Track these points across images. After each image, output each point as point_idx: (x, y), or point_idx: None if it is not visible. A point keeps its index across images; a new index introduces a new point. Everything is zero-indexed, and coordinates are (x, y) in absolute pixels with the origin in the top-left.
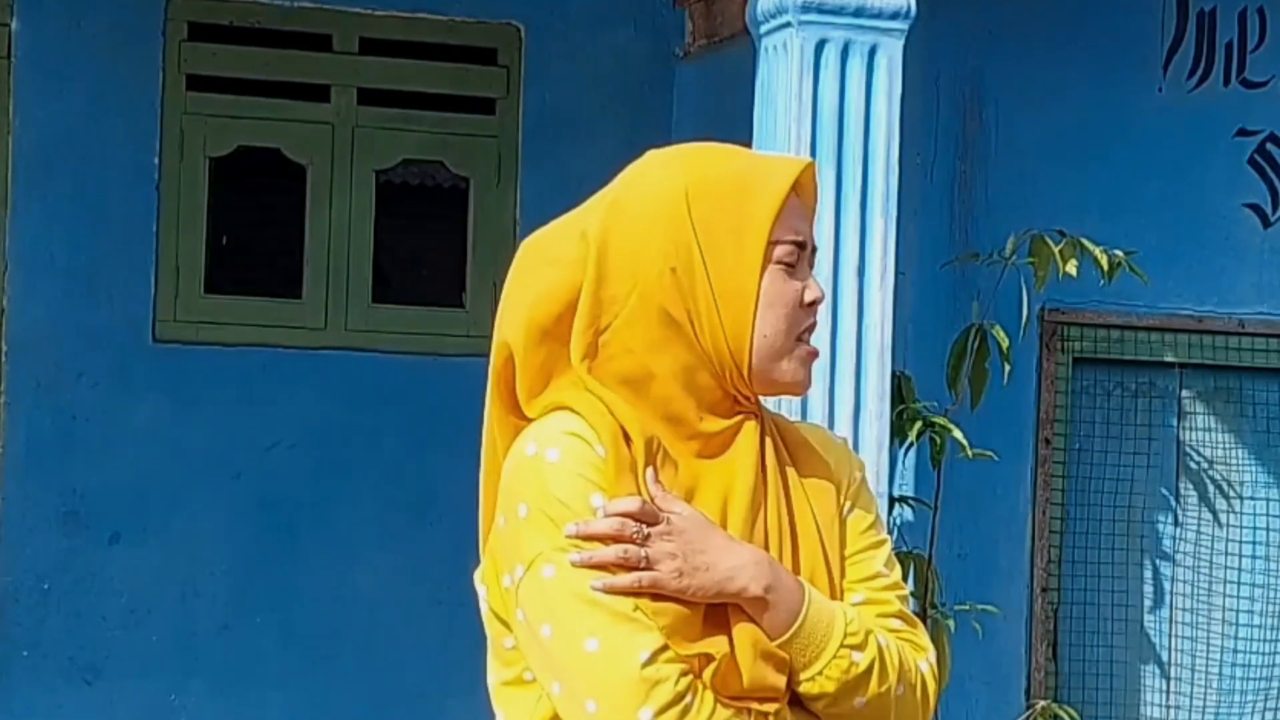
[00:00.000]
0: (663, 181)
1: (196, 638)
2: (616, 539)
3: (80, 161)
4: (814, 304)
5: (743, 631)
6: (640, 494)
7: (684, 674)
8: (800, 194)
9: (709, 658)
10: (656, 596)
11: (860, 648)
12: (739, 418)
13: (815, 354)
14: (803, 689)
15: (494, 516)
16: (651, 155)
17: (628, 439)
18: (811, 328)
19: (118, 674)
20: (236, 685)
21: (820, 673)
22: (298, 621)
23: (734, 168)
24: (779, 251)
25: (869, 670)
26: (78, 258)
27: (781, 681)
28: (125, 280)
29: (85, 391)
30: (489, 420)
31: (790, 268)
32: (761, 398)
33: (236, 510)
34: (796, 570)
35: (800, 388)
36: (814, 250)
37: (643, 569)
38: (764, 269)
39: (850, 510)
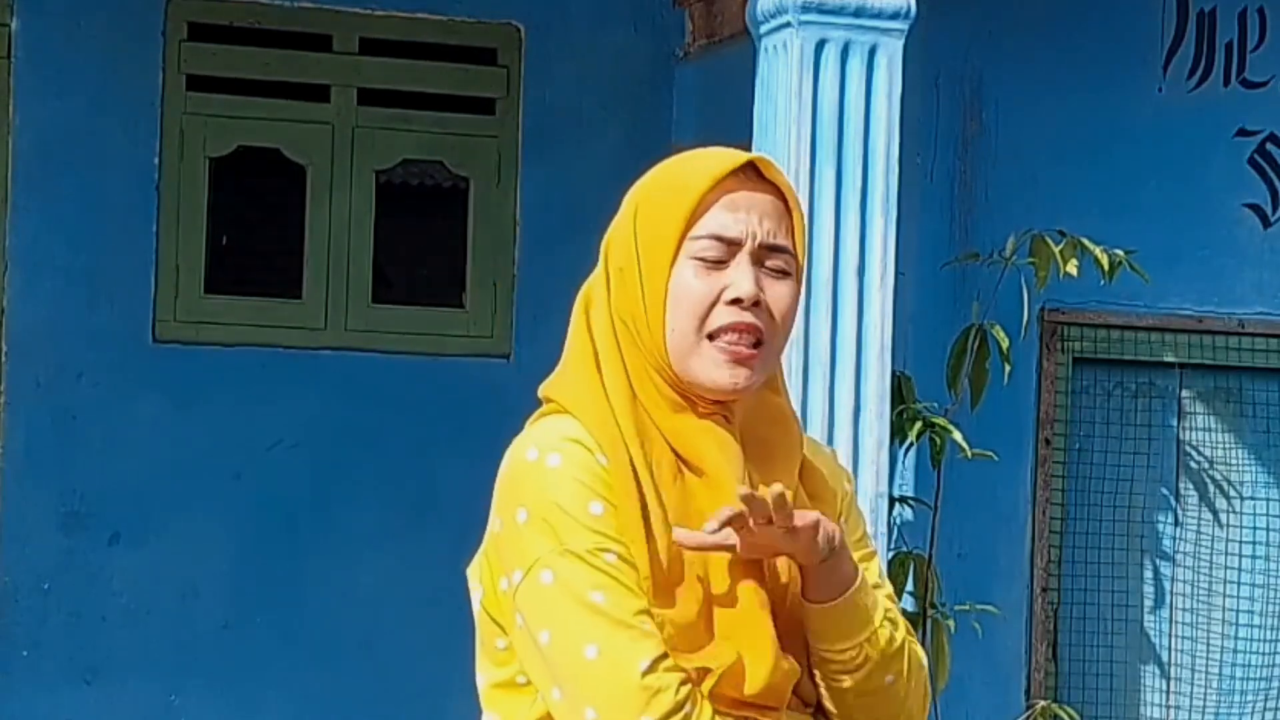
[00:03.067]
0: (634, 187)
1: (196, 638)
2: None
3: (80, 161)
4: (738, 301)
5: (759, 636)
6: (639, 498)
7: (684, 683)
8: (756, 189)
9: (708, 670)
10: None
11: (896, 626)
12: (707, 421)
13: (735, 355)
14: (845, 655)
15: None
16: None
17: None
18: (737, 328)
19: (118, 674)
20: (236, 685)
21: (866, 639)
22: (298, 621)
23: (680, 167)
24: (695, 246)
25: (901, 648)
26: (78, 258)
27: (789, 689)
28: (125, 280)
29: (85, 391)
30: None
31: (712, 264)
32: None
33: (236, 510)
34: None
35: (721, 390)
36: (765, 248)
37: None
38: (674, 263)
39: (845, 520)
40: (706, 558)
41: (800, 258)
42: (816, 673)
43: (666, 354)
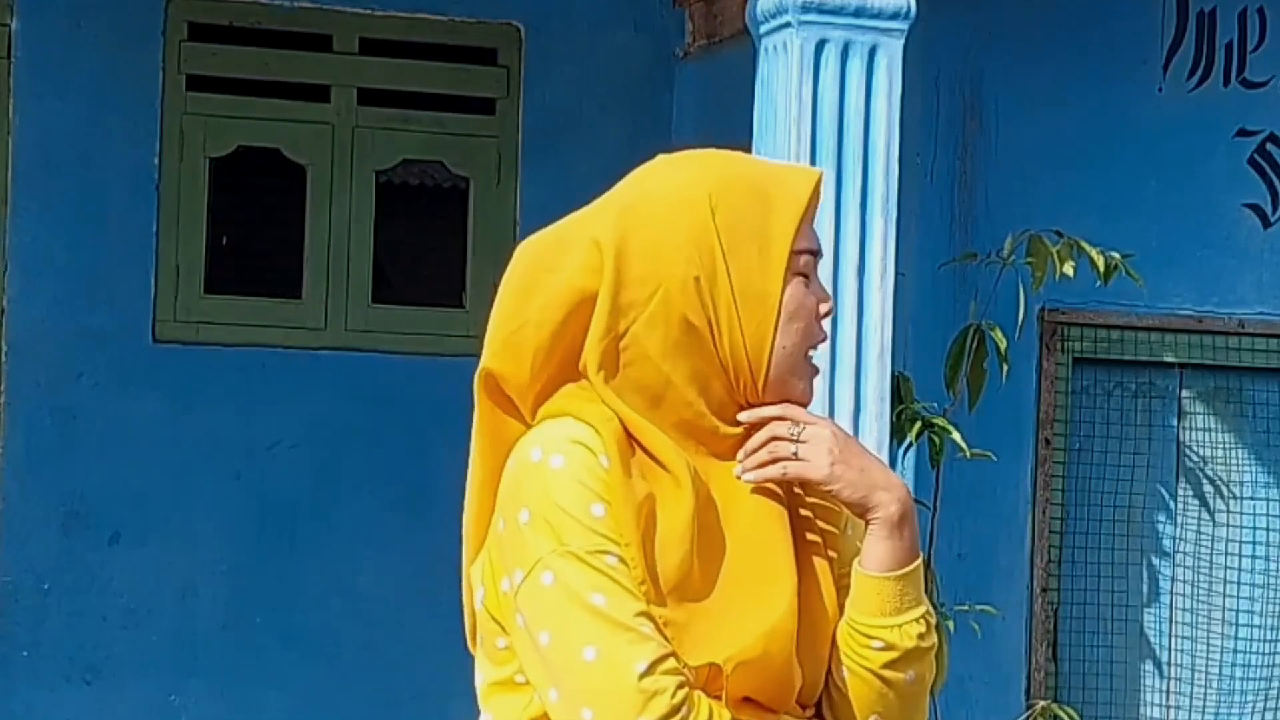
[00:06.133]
0: (684, 187)
1: (196, 638)
2: (772, 436)
3: (80, 161)
4: (827, 315)
5: (779, 634)
6: (645, 500)
7: (681, 685)
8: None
9: (717, 667)
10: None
11: (930, 628)
12: (744, 427)
13: (818, 371)
14: (882, 634)
15: (485, 516)
16: (663, 160)
17: (633, 446)
18: (821, 340)
19: (118, 674)
20: (236, 685)
21: (902, 626)
22: (298, 621)
23: (753, 175)
24: (800, 261)
25: (929, 650)
26: (78, 258)
27: (795, 691)
28: (125, 280)
29: (85, 391)
30: (479, 421)
31: (808, 278)
32: None
33: (236, 510)
34: (804, 576)
35: (808, 404)
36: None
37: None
38: (788, 279)
39: (848, 529)
40: (740, 554)
41: None
42: (837, 670)
43: (761, 365)
